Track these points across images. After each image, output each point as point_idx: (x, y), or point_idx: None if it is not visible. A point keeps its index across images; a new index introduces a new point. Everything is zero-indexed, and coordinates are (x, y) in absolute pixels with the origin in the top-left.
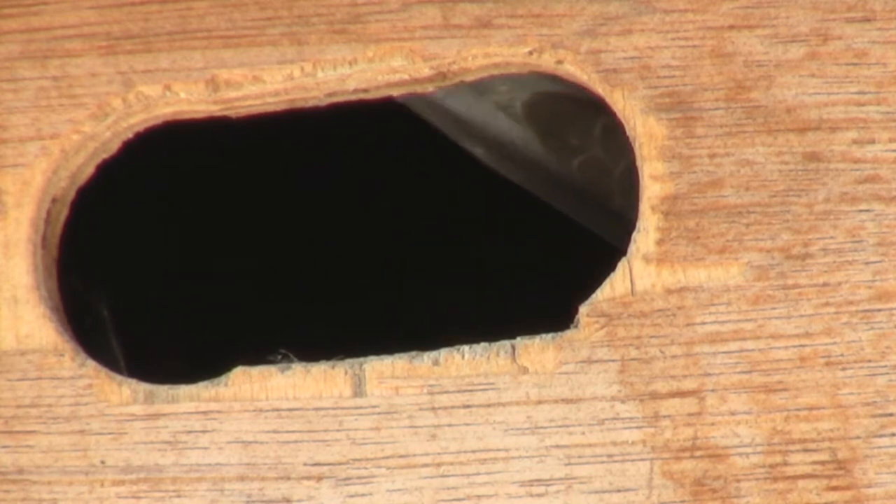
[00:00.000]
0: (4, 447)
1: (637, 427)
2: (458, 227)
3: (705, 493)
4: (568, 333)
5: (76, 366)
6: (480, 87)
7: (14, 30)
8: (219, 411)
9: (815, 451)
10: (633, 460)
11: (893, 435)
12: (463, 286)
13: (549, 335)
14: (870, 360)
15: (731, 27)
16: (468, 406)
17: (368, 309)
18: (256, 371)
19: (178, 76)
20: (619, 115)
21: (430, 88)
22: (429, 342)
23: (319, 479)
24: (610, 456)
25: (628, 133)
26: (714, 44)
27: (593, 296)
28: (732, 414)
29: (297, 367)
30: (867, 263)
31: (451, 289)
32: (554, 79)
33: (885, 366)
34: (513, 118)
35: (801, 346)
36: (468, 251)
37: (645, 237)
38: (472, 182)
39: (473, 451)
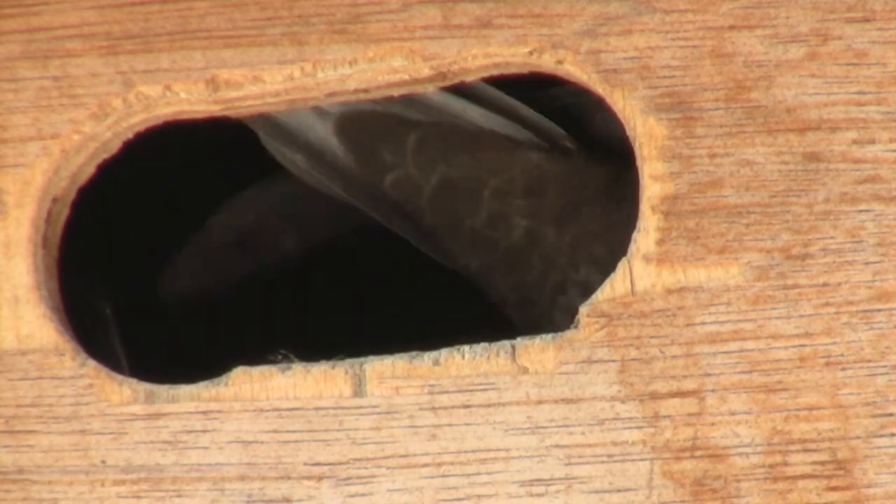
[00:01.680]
0: (5, 447)
1: (637, 427)
2: None
3: (705, 493)
4: (568, 333)
5: (77, 365)
6: None
7: (14, 30)
8: (219, 411)
9: (815, 451)
10: (633, 460)
11: (893, 435)
12: (463, 286)
13: (549, 335)
14: (870, 360)
15: (731, 27)
16: (468, 406)
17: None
18: (257, 371)
19: (178, 76)
20: (619, 115)
21: (430, 88)
22: (429, 342)
23: (320, 478)
24: (610, 456)
25: (628, 133)
26: (714, 44)
27: (593, 296)
28: (732, 414)
29: (298, 367)
30: (867, 263)
31: (451, 289)
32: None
33: (885, 366)
34: (330, 128)
35: (801, 346)
36: None
37: (645, 237)
38: None
39: (473, 451)
